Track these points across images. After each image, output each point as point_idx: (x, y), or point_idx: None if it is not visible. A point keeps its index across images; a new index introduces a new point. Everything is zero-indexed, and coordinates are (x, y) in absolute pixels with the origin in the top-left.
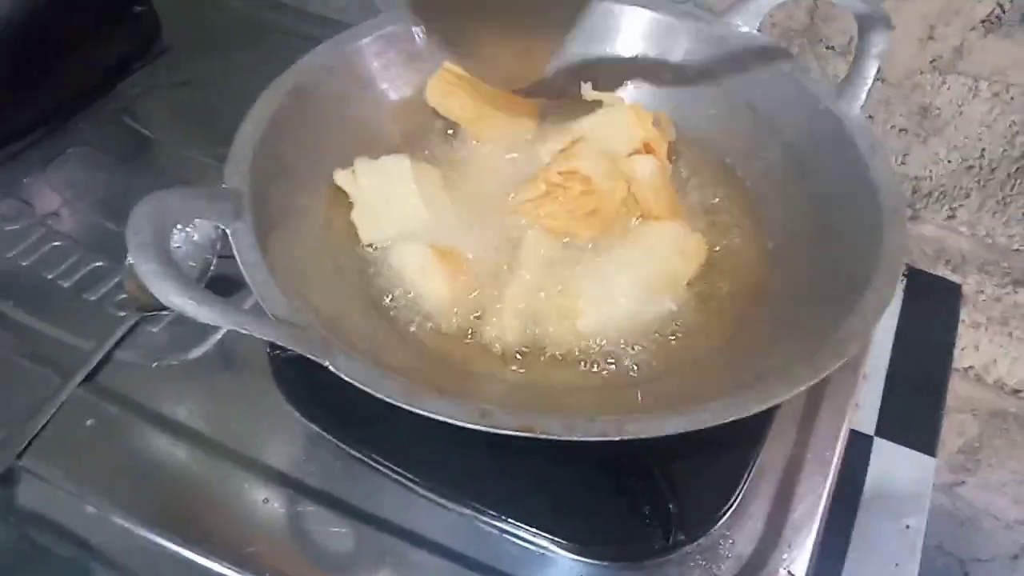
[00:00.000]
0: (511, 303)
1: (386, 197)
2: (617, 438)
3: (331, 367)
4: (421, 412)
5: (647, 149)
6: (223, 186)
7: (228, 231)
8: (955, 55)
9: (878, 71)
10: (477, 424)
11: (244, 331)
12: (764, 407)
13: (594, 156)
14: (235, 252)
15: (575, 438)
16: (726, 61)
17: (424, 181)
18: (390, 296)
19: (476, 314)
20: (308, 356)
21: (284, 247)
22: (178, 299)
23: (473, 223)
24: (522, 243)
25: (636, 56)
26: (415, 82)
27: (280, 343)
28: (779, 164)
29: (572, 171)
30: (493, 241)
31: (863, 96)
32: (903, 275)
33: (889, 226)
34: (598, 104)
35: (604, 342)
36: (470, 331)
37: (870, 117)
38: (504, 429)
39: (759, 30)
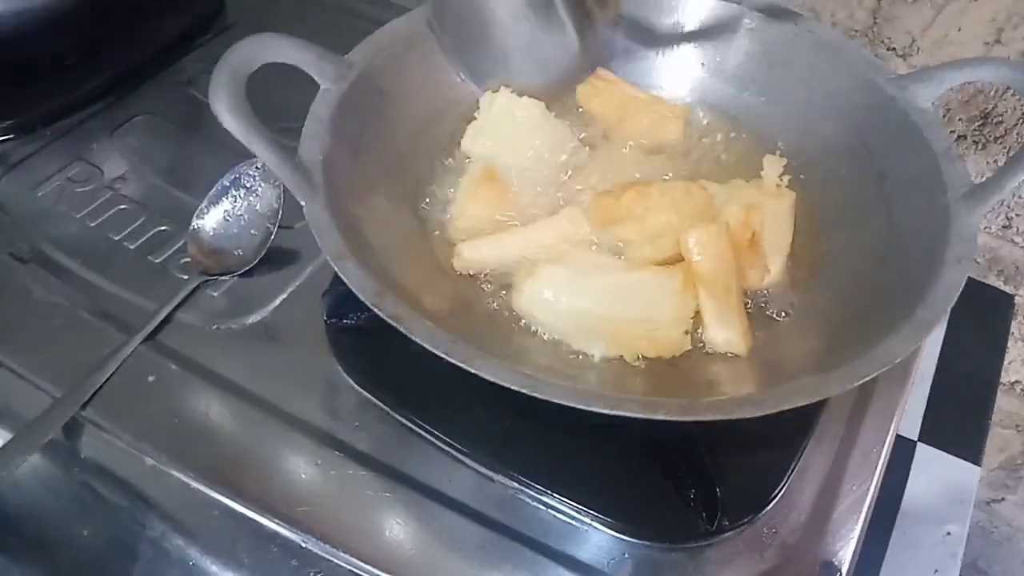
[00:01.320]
0: (489, 239)
1: (506, 124)
2: (612, 412)
3: (304, 209)
4: (469, 369)
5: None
6: (344, 56)
7: (321, 87)
8: (1022, 60)
9: None
10: (465, 365)
11: (251, 148)
12: (778, 409)
13: (676, 183)
14: (313, 104)
15: (580, 406)
16: (883, 124)
17: (546, 127)
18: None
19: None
20: (291, 190)
21: (356, 131)
22: (218, 106)
23: (551, 186)
24: (558, 211)
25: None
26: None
27: (275, 170)
28: (873, 235)
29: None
30: (553, 202)
31: (991, 203)
32: None
33: (947, 267)
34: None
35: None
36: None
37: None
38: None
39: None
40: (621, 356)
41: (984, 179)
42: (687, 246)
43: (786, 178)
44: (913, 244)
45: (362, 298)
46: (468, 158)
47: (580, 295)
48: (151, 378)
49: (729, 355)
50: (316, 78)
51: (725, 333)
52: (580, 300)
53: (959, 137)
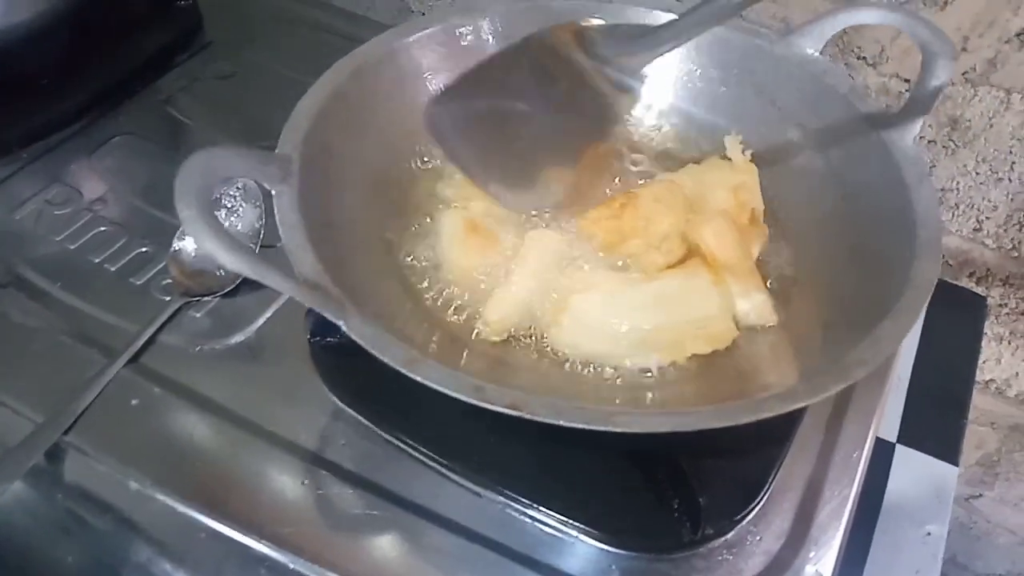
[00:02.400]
0: (499, 295)
1: None
2: (602, 428)
3: (344, 327)
4: (420, 380)
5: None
6: (276, 151)
7: (273, 192)
8: (988, 67)
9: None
10: (470, 398)
11: (265, 282)
12: (755, 418)
13: (661, 184)
14: (276, 212)
15: (562, 423)
16: (784, 81)
17: None
18: (415, 263)
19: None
20: (324, 314)
21: (322, 215)
22: (211, 243)
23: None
24: (525, 241)
25: (692, 68)
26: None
27: (298, 298)
28: (821, 186)
29: (632, 193)
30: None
31: (918, 126)
32: None
33: (920, 260)
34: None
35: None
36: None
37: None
38: (495, 406)
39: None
40: (673, 361)
41: (903, 105)
42: (707, 240)
43: (748, 152)
44: (867, 184)
45: (395, 365)
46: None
47: (622, 314)
48: (134, 401)
49: (764, 333)
50: (265, 184)
51: (756, 307)
52: (625, 319)
53: (929, 142)
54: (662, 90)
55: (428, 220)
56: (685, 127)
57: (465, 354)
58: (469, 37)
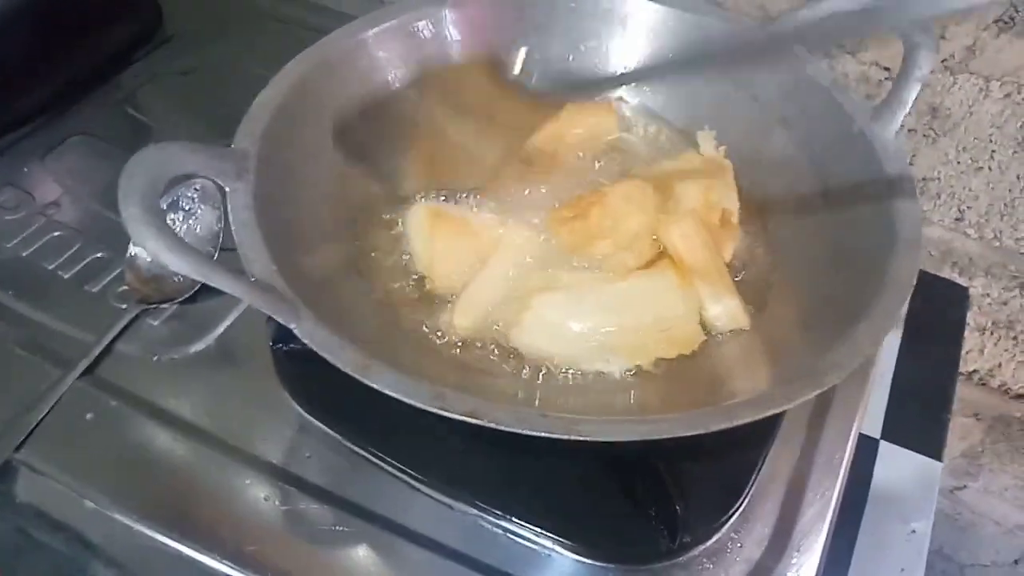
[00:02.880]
0: (467, 296)
1: None
2: (566, 436)
3: (295, 330)
4: (374, 386)
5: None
6: (231, 146)
7: (227, 189)
8: (967, 55)
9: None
10: (428, 405)
11: (212, 284)
12: (727, 425)
13: (629, 183)
14: (229, 210)
15: (523, 431)
16: (763, 72)
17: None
18: (381, 261)
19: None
20: (275, 317)
21: (281, 213)
22: (152, 244)
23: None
24: (501, 239)
25: (670, 57)
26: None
27: (246, 300)
28: (802, 181)
29: (601, 191)
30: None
31: (900, 119)
32: None
33: (898, 260)
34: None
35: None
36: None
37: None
38: (453, 413)
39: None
40: (638, 366)
41: (884, 97)
42: (674, 242)
43: (722, 148)
44: (848, 181)
45: (348, 371)
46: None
47: (585, 314)
48: (89, 415)
49: (736, 336)
50: (218, 181)
51: (727, 311)
52: (587, 318)
53: (910, 131)
54: (639, 84)
55: (395, 216)
56: (662, 121)
57: (429, 356)
58: (432, 29)
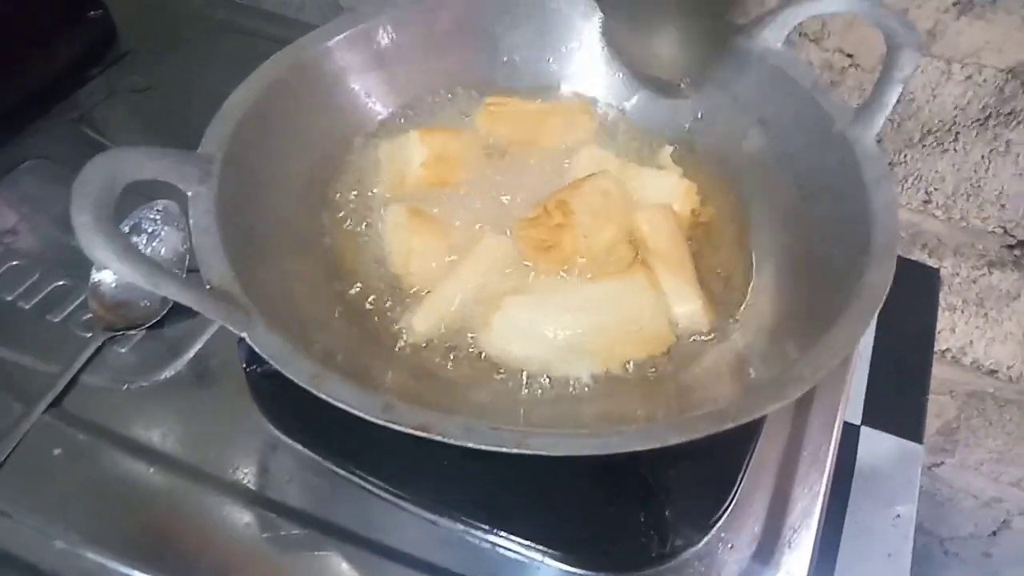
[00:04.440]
0: (431, 299)
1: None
2: (516, 450)
3: (247, 339)
4: (324, 398)
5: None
6: (197, 151)
7: (189, 194)
8: (928, 38)
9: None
10: (377, 418)
11: (162, 293)
12: (683, 440)
13: (593, 192)
14: (190, 216)
15: (472, 445)
16: (744, 73)
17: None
18: (348, 265)
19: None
20: (227, 326)
21: (246, 219)
22: (102, 253)
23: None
24: (477, 244)
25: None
26: (388, 76)
27: (197, 309)
28: (780, 184)
29: (563, 201)
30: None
31: (880, 122)
32: None
33: (873, 268)
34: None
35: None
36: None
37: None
38: (402, 426)
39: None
40: (607, 372)
41: (865, 99)
42: (641, 228)
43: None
44: (826, 184)
45: (299, 381)
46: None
47: (554, 316)
48: (57, 451)
49: (709, 341)
50: (180, 186)
51: (686, 308)
52: (556, 320)
53: None
54: (616, 81)
55: (364, 221)
56: (640, 119)
57: (392, 364)
58: (392, 35)
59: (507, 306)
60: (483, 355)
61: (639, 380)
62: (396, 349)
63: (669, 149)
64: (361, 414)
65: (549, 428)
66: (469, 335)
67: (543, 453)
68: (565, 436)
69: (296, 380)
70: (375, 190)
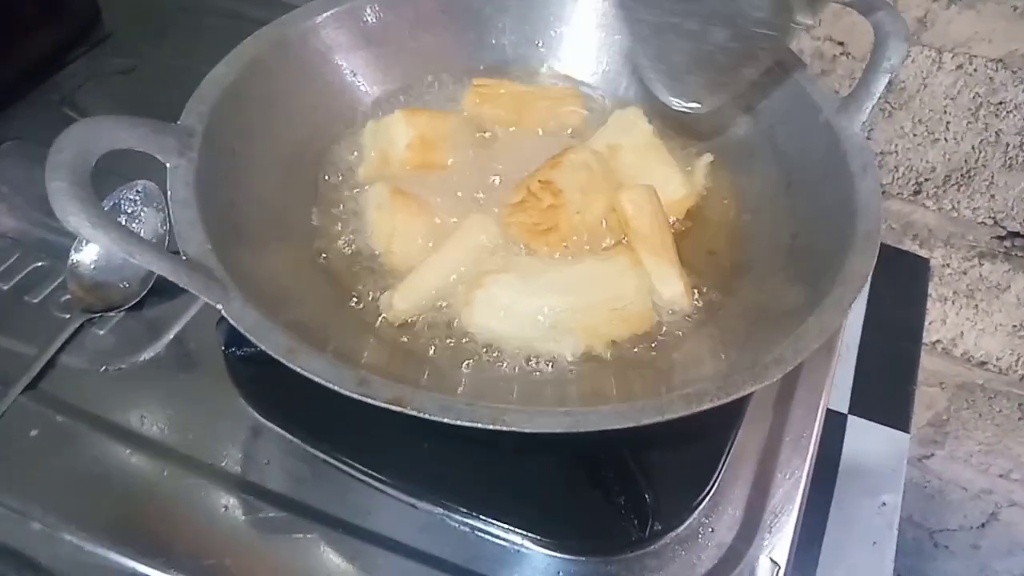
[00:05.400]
0: (413, 278)
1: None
2: (491, 426)
3: (223, 311)
4: (300, 371)
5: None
6: (178, 122)
7: (168, 165)
8: (919, 27)
9: (888, 83)
10: (352, 391)
11: (136, 261)
12: (659, 419)
13: (576, 168)
14: (168, 187)
15: (447, 420)
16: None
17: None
18: (330, 243)
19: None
20: (203, 297)
21: (226, 193)
22: (75, 219)
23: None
24: (461, 224)
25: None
26: (375, 56)
27: (172, 278)
28: (767, 171)
29: (548, 181)
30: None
31: (867, 111)
32: None
33: (855, 255)
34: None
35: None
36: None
37: (836, 92)
38: (376, 400)
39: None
40: (590, 352)
41: (851, 89)
42: (623, 207)
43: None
44: (812, 172)
45: (274, 354)
46: (363, 187)
47: (537, 294)
48: (34, 432)
49: (691, 323)
50: (159, 156)
51: (668, 290)
52: (539, 298)
53: None
54: (604, 65)
55: (348, 200)
56: (627, 102)
57: (372, 342)
58: (379, 14)
59: (490, 284)
60: (465, 334)
61: (621, 361)
62: (376, 327)
63: (709, 158)
64: (336, 387)
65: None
66: (451, 314)
67: (517, 429)
68: (540, 413)
69: (271, 353)
70: (359, 170)
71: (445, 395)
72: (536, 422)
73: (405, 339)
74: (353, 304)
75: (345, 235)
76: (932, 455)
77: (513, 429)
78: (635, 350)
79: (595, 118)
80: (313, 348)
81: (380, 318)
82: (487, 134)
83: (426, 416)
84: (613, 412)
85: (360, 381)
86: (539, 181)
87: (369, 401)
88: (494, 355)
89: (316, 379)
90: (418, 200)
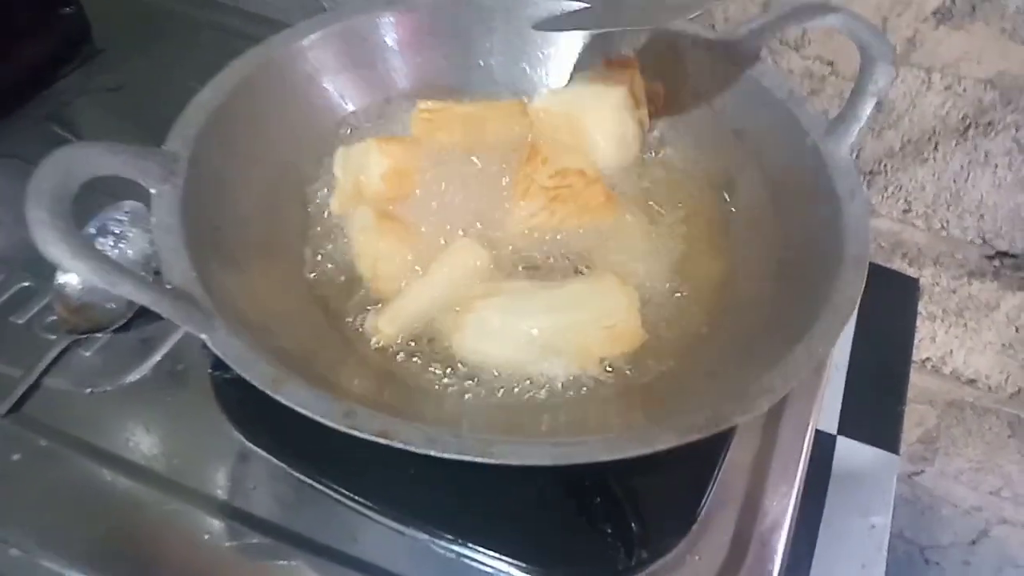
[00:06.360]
0: (398, 302)
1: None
2: (479, 459)
3: (208, 342)
4: (285, 402)
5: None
6: (162, 147)
7: (152, 191)
8: (908, 47)
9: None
10: (338, 424)
11: (117, 292)
12: (646, 451)
13: (564, 153)
14: (152, 214)
15: (434, 453)
16: (720, 84)
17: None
18: (317, 267)
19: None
20: (186, 328)
21: (211, 218)
22: (54, 249)
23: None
24: (448, 248)
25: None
26: (362, 78)
27: (155, 309)
28: (754, 195)
29: (563, 171)
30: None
31: (854, 134)
32: None
33: (844, 277)
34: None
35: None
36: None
37: (824, 112)
38: (363, 432)
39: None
40: (583, 371)
41: (839, 112)
42: None
43: None
44: (796, 194)
45: (259, 386)
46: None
47: (529, 314)
48: (16, 456)
49: (681, 355)
50: (142, 183)
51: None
52: (531, 318)
53: None
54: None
55: (333, 224)
56: None
57: (357, 371)
58: (367, 37)
59: (480, 308)
60: (457, 360)
61: (608, 387)
62: (364, 355)
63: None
64: (322, 420)
65: (514, 436)
66: (442, 340)
67: (504, 462)
68: (527, 444)
69: (256, 384)
70: (331, 202)
71: (432, 426)
72: (523, 454)
73: (395, 365)
74: (341, 330)
75: (333, 259)
76: (922, 471)
77: (500, 462)
78: (627, 372)
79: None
80: (299, 378)
81: (370, 343)
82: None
83: (412, 449)
84: (601, 443)
85: (346, 413)
86: (550, 177)
87: (356, 434)
88: (486, 380)
89: (302, 411)
90: (402, 224)
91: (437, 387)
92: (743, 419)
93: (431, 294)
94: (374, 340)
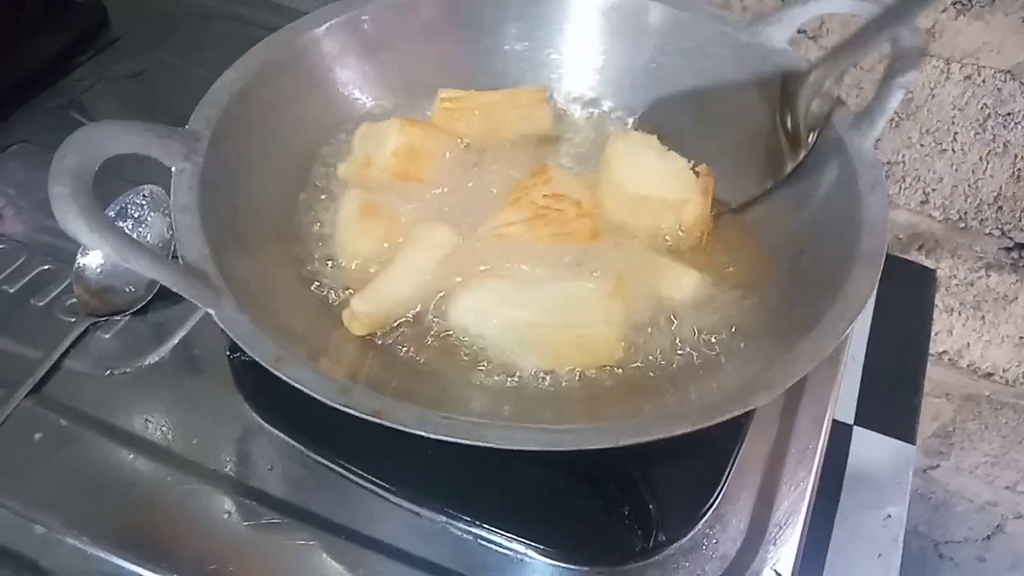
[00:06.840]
0: (373, 286)
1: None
2: (468, 442)
3: (215, 316)
4: (285, 378)
5: None
6: (185, 127)
7: (173, 169)
8: (928, 37)
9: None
10: (333, 401)
11: (133, 267)
12: (636, 440)
13: (572, 181)
14: (172, 191)
15: (424, 433)
16: (745, 71)
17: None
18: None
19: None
20: (196, 302)
21: (229, 197)
22: (74, 223)
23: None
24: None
25: (652, 54)
26: (379, 65)
27: (167, 283)
28: (777, 186)
29: (560, 195)
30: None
31: (879, 128)
32: None
33: (857, 272)
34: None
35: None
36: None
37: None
38: (359, 411)
39: (790, 43)
40: (554, 371)
41: (860, 101)
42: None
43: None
44: (821, 188)
45: (262, 362)
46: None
47: (516, 305)
48: (38, 436)
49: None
50: (164, 161)
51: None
52: (516, 310)
53: None
54: (616, 75)
55: (335, 207)
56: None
57: (362, 351)
58: (385, 24)
59: (476, 288)
60: (454, 339)
61: (616, 377)
62: (369, 340)
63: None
64: (319, 397)
65: (509, 420)
66: (440, 323)
67: (495, 446)
68: (518, 430)
69: (259, 359)
70: (340, 167)
71: (424, 408)
72: (514, 438)
73: (392, 347)
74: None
75: (332, 241)
76: (938, 466)
77: (491, 445)
78: (630, 370)
79: (567, 119)
80: (302, 357)
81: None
82: (464, 145)
83: (404, 429)
84: (592, 431)
85: (342, 391)
86: (544, 196)
87: (352, 412)
88: (480, 363)
89: (301, 388)
90: (384, 214)
91: (440, 369)
92: (737, 412)
93: (402, 275)
94: (346, 318)
